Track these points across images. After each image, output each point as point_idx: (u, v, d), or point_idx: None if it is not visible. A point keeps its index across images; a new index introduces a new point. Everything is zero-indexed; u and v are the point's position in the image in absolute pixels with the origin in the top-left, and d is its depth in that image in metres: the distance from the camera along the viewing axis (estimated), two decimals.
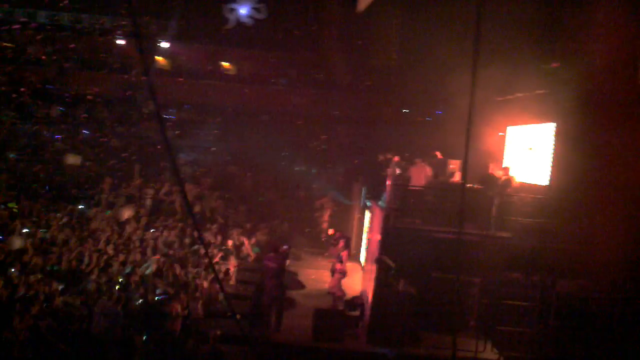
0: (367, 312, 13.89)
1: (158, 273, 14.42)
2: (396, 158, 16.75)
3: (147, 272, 14.24)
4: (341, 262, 15.38)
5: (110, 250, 15.69)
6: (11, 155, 25.18)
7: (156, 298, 12.33)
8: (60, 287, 12.82)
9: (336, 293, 15.24)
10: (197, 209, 20.69)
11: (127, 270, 14.11)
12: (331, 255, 16.83)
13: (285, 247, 14.85)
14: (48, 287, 12.63)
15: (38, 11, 30.84)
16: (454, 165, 15.83)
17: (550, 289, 12.61)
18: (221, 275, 15.59)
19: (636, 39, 12.94)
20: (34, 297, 11.94)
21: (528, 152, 16.41)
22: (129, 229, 17.95)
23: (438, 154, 16.54)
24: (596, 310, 11.88)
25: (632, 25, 13.04)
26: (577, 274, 12.69)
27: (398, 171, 15.49)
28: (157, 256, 15.28)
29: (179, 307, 11.93)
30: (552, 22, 16.57)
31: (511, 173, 15.24)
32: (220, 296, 13.86)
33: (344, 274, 15.40)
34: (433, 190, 15.24)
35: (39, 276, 13.26)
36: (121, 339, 11.27)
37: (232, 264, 17.02)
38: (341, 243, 15.94)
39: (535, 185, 15.25)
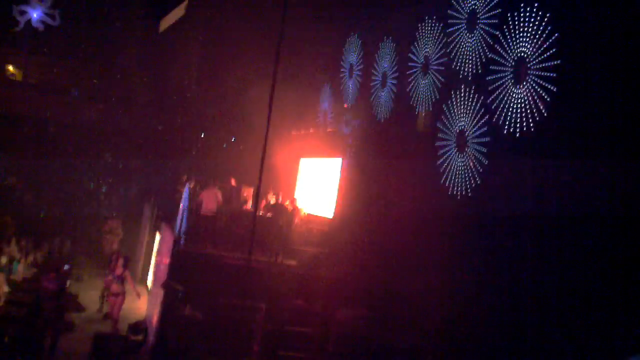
0: (152, 336, 13.63)
1: None
2: (187, 181, 16.73)
3: None
4: (119, 283, 14.83)
5: None
6: None
7: None
8: None
9: (113, 316, 14.70)
10: None
11: None
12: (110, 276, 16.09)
13: (66, 267, 14.09)
14: None
15: None
16: (247, 192, 16.19)
17: (330, 317, 13.34)
18: None
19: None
20: None
21: (317, 183, 17.36)
22: None
23: (233, 180, 16.85)
24: (369, 335, 12.73)
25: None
26: (354, 301, 13.55)
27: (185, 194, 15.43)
28: None
29: None
30: None
31: (300, 204, 15.98)
32: None
33: (118, 295, 14.84)
34: (225, 216, 15.43)
35: None
36: None
37: (2, 282, 15.75)
38: (119, 263, 15.30)
39: (322, 217, 16.14)
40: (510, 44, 10.46)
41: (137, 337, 13.91)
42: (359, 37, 17.14)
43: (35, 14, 23.86)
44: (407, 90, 14.05)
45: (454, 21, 12.34)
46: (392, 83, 14.95)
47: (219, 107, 23.80)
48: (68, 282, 14.35)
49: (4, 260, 16.95)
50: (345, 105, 17.44)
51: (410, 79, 14.03)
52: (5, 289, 15.69)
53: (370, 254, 13.53)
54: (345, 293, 13.48)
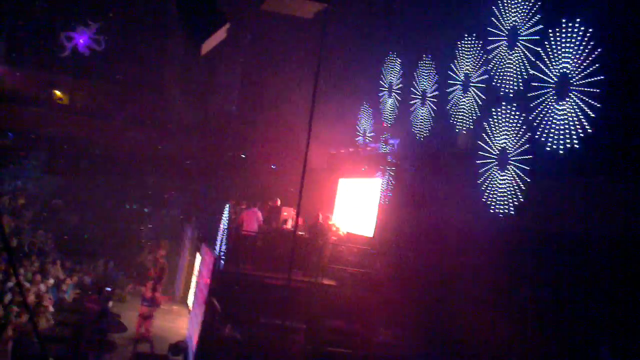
0: (192, 356, 13.66)
1: None
2: (232, 202, 16.83)
3: None
4: (149, 304, 15.07)
5: None
6: None
7: None
8: None
9: (143, 335, 14.81)
10: (14, 243, 19.30)
11: None
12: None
13: (108, 289, 14.28)
14: None
15: None
16: (287, 212, 16.18)
17: (370, 338, 13.18)
18: (39, 316, 14.62)
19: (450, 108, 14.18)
20: None
21: (356, 203, 17.26)
22: None
23: (277, 201, 16.76)
24: (411, 357, 12.55)
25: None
26: (395, 322, 13.38)
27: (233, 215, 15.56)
28: None
29: None
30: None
31: (340, 223, 15.90)
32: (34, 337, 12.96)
33: (146, 317, 15.02)
34: (265, 236, 15.46)
35: None
36: None
37: (50, 303, 16.05)
38: (148, 286, 15.52)
39: (362, 236, 16.02)
40: (552, 60, 10.32)
41: (177, 357, 13.96)
42: (398, 56, 17.13)
43: (81, 40, 24.45)
44: (447, 108, 13.96)
45: (494, 38, 12.23)
46: (432, 101, 14.88)
47: (260, 128, 23.97)
48: (110, 303, 14.52)
49: (51, 282, 17.27)
50: (385, 124, 17.40)
51: (450, 97, 13.94)
52: (51, 309, 15.97)
53: (411, 274, 13.38)
54: (386, 313, 13.32)
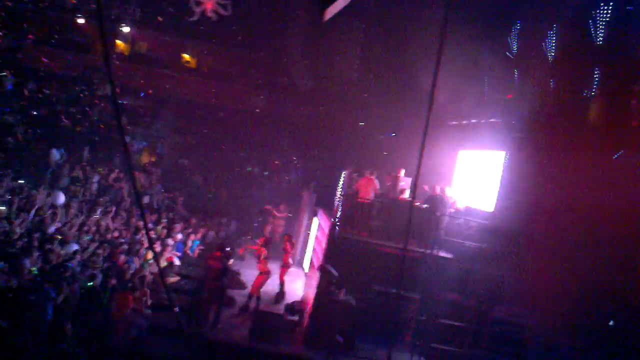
0: (306, 318, 14.03)
1: (99, 260, 14.23)
2: (349, 169, 16.96)
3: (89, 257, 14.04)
4: (261, 262, 15.37)
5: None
6: None
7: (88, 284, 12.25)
8: None
9: (255, 293, 15.18)
10: (145, 199, 20.51)
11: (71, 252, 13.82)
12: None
13: (228, 248, 14.83)
14: None
15: None
16: (405, 182, 16.11)
17: (486, 313, 12.99)
18: (166, 269, 15.56)
19: (586, 76, 13.49)
20: None
21: (476, 176, 16.88)
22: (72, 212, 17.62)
23: (401, 170, 16.60)
24: (528, 337, 12.28)
25: (581, 60, 13.61)
26: (513, 300, 13.10)
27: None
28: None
29: (127, 298, 11.91)
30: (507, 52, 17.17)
31: (458, 196, 15.66)
32: (161, 289, 13.77)
33: (263, 274, 15.32)
34: (381, 205, 15.49)
35: None
36: (51, 324, 11.04)
37: (175, 257, 17.02)
38: (260, 243, 15.82)
39: (480, 210, 15.70)
40: None
41: (293, 317, 14.37)
42: (524, 24, 16.40)
43: (209, 5, 25.15)
44: (577, 78, 13.26)
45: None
46: (560, 71, 14.17)
47: (381, 95, 23.85)
48: (231, 261, 15.11)
49: (178, 237, 18.25)
50: (509, 96, 16.81)
51: (579, 66, 13.23)
52: (177, 262, 16.92)
53: (534, 250, 13.00)
54: (504, 289, 13.06)
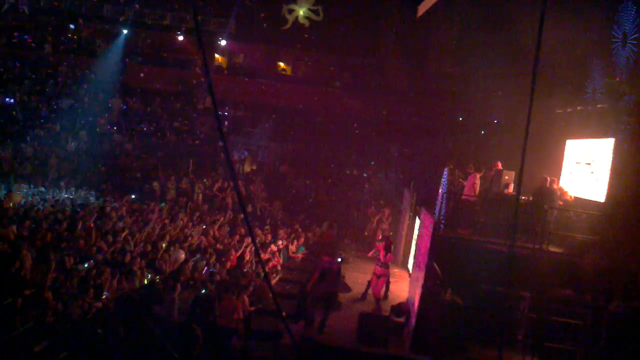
0: (413, 319, 13.82)
1: (210, 266, 14.70)
2: (450, 166, 16.61)
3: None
4: (381, 265, 15.47)
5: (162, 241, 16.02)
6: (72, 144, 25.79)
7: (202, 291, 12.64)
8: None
9: (375, 296, 15.30)
10: (248, 207, 20.97)
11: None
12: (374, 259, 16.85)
13: (341, 252, 15.02)
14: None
15: (103, 4, 31.57)
16: (509, 176, 15.58)
17: (602, 309, 12.28)
18: (272, 275, 15.86)
19: None
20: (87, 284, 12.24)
21: (585, 166, 16.06)
22: (180, 222, 18.27)
23: (499, 164, 16.20)
24: None
25: None
26: (632, 295, 12.33)
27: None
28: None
29: (240, 302, 12.24)
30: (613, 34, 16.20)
31: (567, 187, 14.95)
32: (268, 294, 14.00)
33: (379, 277, 15.41)
34: (486, 201, 15.08)
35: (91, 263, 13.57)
36: (179, 327, 11.43)
37: (279, 262, 17.28)
38: (381, 246, 15.95)
39: (590, 200, 14.90)
40: None
41: (399, 318, 14.20)
42: (634, 2, 15.42)
43: (301, 11, 25.47)
44: None
45: None
46: None
47: (479, 89, 23.24)
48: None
49: (281, 242, 18.56)
50: (618, 79, 15.85)
51: None
52: (279, 268, 17.19)
53: None
54: (622, 284, 12.30)
